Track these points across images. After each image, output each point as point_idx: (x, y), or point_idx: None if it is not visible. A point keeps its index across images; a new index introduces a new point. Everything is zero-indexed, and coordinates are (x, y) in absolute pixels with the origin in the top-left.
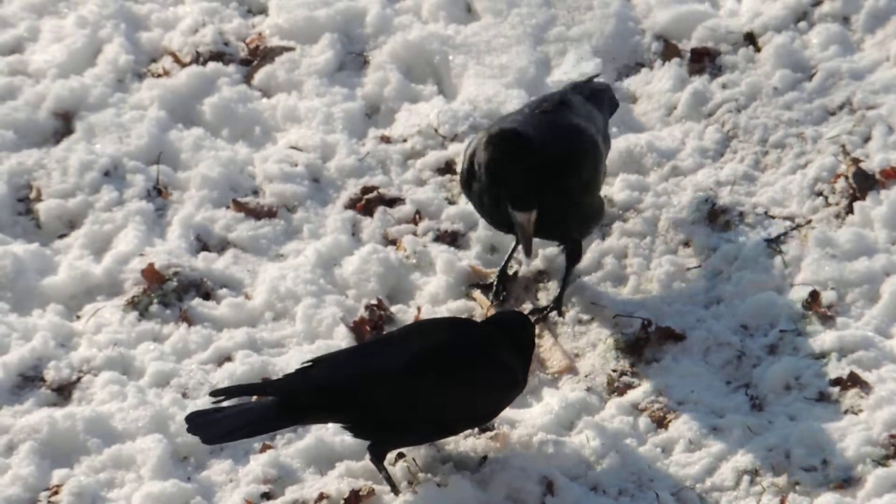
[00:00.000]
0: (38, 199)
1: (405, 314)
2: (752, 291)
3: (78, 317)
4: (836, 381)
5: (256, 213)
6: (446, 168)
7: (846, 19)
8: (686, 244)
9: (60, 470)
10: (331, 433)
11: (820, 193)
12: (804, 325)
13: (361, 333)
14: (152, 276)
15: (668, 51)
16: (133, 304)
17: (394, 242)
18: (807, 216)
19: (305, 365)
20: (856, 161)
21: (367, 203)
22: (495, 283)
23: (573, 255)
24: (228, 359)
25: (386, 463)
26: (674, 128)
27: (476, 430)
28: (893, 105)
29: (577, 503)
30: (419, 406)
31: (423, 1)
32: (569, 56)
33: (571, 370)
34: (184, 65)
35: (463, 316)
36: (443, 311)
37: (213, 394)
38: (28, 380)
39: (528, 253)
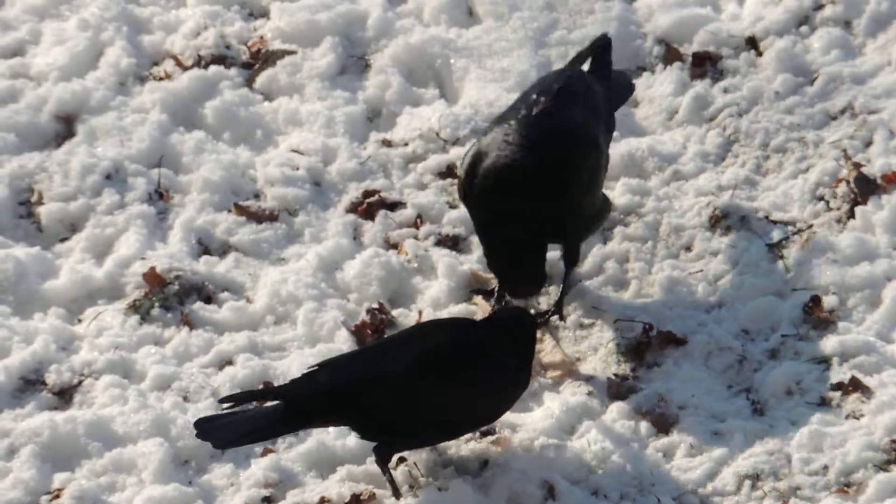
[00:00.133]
0: (40, 202)
1: (406, 318)
2: (754, 296)
3: (79, 320)
4: (838, 386)
5: (258, 217)
6: (448, 172)
7: (848, 24)
8: (687, 248)
9: (61, 474)
10: (332, 437)
11: (821, 198)
12: (805, 330)
13: (363, 337)
14: (154, 280)
15: (670, 55)
16: (134, 307)
17: (395, 246)
18: (808, 221)
19: (311, 370)
20: (857, 166)
21: (368, 207)
22: (497, 288)
23: (571, 257)
24: (230, 362)
25: (389, 466)
26: (675, 132)
27: (477, 434)
28: (895, 110)
29: None
30: (421, 409)
31: (424, 4)
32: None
33: (573, 374)
34: (185, 68)
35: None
36: (444, 316)
37: (222, 400)
38: (29, 383)
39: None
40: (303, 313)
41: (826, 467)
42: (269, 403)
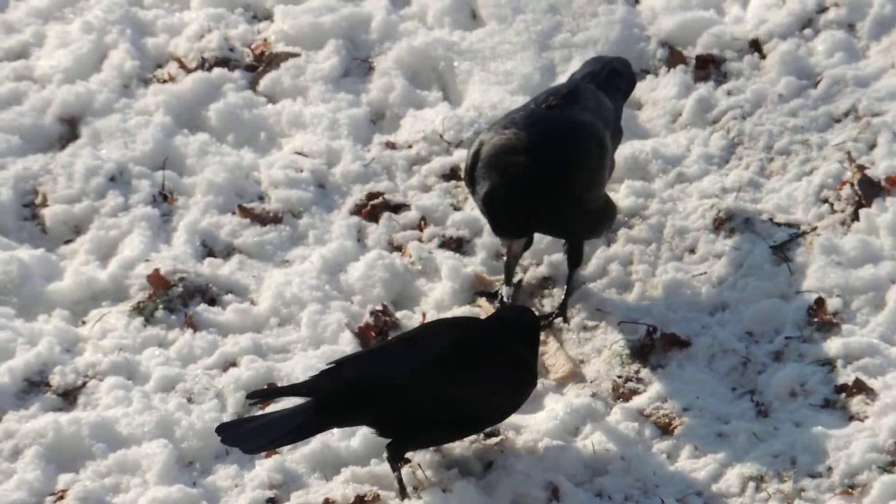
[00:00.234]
0: (44, 204)
1: (410, 320)
2: (758, 298)
3: (83, 322)
4: (842, 388)
5: (262, 219)
6: (451, 174)
7: (851, 26)
8: (691, 251)
9: (66, 475)
10: (336, 438)
11: (825, 200)
12: (809, 332)
13: (366, 339)
14: (158, 282)
15: (674, 57)
16: (138, 309)
17: (399, 248)
18: (812, 223)
19: (332, 365)
20: (861, 168)
21: (372, 209)
22: (500, 290)
23: (574, 258)
24: (234, 364)
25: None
26: (679, 134)
27: (481, 435)
28: None
29: None
30: (448, 401)
31: (428, 7)
32: (574, 63)
33: (577, 376)
34: (189, 70)
35: None
36: (448, 317)
37: (250, 396)
38: (34, 385)
39: (507, 281)
40: (307, 315)
41: (830, 469)
42: (290, 405)
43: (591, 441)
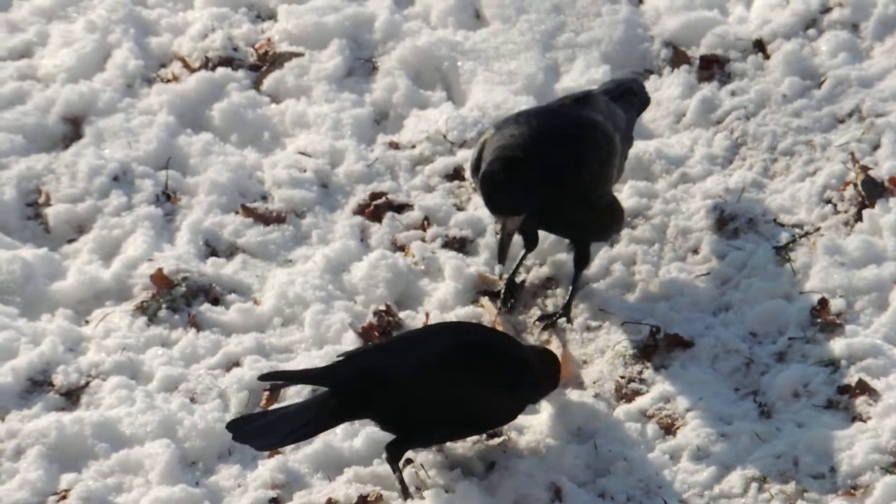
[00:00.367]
0: (47, 203)
1: (413, 320)
2: (761, 299)
3: (86, 321)
4: (845, 389)
5: (265, 219)
6: (455, 174)
7: (855, 27)
8: (695, 251)
9: (68, 474)
10: (339, 438)
11: (829, 201)
12: (813, 333)
13: (370, 339)
14: (161, 282)
15: (677, 58)
16: (142, 309)
17: (402, 248)
18: (815, 224)
19: (342, 357)
20: (865, 169)
21: (375, 209)
22: (503, 290)
23: (581, 259)
24: (237, 364)
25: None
26: (682, 135)
27: (484, 435)
28: None
29: None
30: (449, 401)
31: (431, 7)
32: (577, 63)
33: (579, 376)
34: (193, 70)
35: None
36: (451, 318)
37: (262, 378)
38: (36, 384)
39: (501, 259)
40: (310, 315)
41: (833, 470)
42: (300, 399)
43: (594, 441)
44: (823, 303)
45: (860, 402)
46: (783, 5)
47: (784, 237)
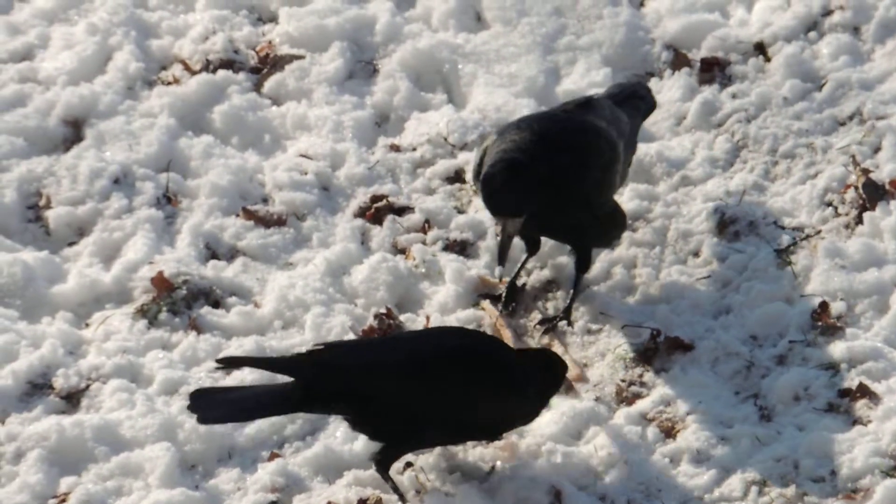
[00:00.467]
0: (48, 206)
1: (414, 323)
2: (762, 302)
3: (87, 324)
4: (845, 392)
5: (266, 222)
6: (456, 177)
7: (856, 29)
8: (695, 254)
9: (68, 478)
10: (339, 442)
11: (829, 204)
12: (813, 336)
13: None
14: (161, 284)
15: (678, 60)
16: (142, 312)
17: (403, 251)
18: (816, 226)
19: (316, 348)
20: (865, 171)
21: (376, 212)
22: (504, 293)
23: (582, 262)
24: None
25: (393, 472)
26: (683, 137)
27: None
28: None
29: None
30: (427, 404)
31: (432, 9)
32: (578, 65)
33: (580, 379)
34: (194, 72)
35: (470, 326)
36: (451, 321)
37: (219, 361)
38: (37, 387)
39: (501, 261)
40: (310, 318)
41: (833, 473)
42: (266, 382)
43: (595, 445)
44: (824, 306)
45: (861, 406)
46: (784, 8)
47: (785, 240)
